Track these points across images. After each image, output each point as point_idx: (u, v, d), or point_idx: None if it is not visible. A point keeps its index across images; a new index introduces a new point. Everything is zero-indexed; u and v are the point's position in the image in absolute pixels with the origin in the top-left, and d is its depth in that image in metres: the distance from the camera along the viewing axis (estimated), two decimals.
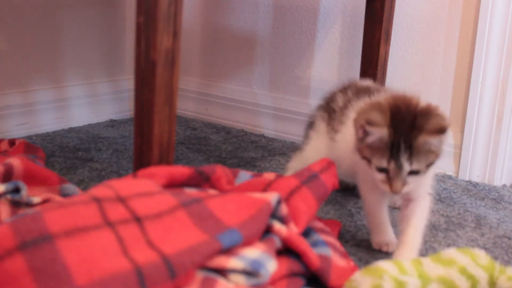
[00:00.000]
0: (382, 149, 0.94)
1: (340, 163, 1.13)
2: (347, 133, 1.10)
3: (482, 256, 0.88)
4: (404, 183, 0.94)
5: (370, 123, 0.93)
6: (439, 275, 0.83)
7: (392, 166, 0.93)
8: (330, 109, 1.21)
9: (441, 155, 0.96)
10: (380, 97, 1.03)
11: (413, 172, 0.94)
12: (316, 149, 1.24)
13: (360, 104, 1.05)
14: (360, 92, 1.16)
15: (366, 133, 0.94)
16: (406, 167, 0.93)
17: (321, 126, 1.24)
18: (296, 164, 1.31)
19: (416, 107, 0.95)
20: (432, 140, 0.92)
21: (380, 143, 0.94)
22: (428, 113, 0.94)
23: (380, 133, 0.93)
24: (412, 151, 0.92)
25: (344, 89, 1.21)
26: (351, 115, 1.10)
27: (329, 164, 1.04)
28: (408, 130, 0.92)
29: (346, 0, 1.70)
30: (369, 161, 0.96)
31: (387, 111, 0.95)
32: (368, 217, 1.09)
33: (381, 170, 0.95)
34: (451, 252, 0.88)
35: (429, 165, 0.95)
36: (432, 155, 0.94)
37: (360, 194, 1.10)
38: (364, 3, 1.50)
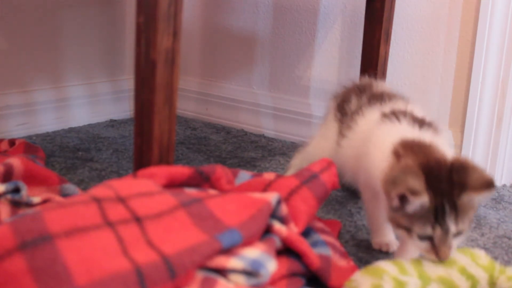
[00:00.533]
0: (425, 216, 0.84)
1: (343, 169, 1.13)
2: (353, 139, 1.09)
3: (482, 256, 0.88)
4: (450, 247, 0.85)
5: (413, 192, 0.82)
6: (439, 275, 0.83)
7: (438, 232, 0.84)
8: (343, 110, 1.18)
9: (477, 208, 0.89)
10: (396, 146, 0.92)
11: (458, 233, 0.86)
12: (321, 147, 1.23)
13: (380, 159, 0.94)
14: (373, 98, 1.12)
15: (405, 202, 0.84)
16: (453, 229, 0.84)
17: (332, 125, 1.21)
18: (298, 161, 1.31)
19: (445, 162, 0.87)
20: (478, 197, 0.84)
21: (421, 210, 0.84)
22: (464, 167, 0.86)
23: (421, 200, 0.83)
24: (458, 211, 0.84)
25: (359, 92, 1.17)
26: (360, 122, 1.09)
27: (329, 164, 1.04)
28: (448, 189, 0.84)
29: (346, 0, 1.70)
30: (408, 230, 0.86)
31: (419, 171, 0.85)
32: (369, 218, 1.09)
33: (424, 238, 0.85)
34: None
35: (471, 220, 0.87)
36: (472, 211, 0.86)
37: (362, 197, 1.10)
38: (364, 3, 1.50)
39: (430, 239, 0.85)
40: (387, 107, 1.07)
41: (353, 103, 1.15)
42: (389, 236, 1.07)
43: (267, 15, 1.85)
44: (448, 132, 1.56)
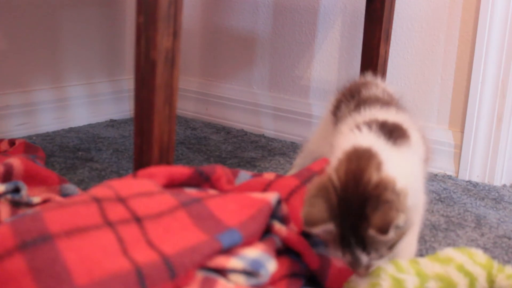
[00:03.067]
0: (333, 241, 0.79)
1: None
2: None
3: (480, 254, 0.88)
4: (368, 268, 0.80)
5: (311, 222, 0.77)
6: (436, 272, 0.84)
7: (348, 258, 0.79)
8: (336, 114, 1.11)
9: (408, 229, 0.80)
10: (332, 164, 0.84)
11: (375, 258, 0.80)
12: (319, 145, 1.19)
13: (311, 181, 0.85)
14: (358, 106, 1.02)
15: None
16: (364, 259, 0.78)
17: (327, 125, 1.15)
18: (301, 160, 1.30)
19: (367, 186, 0.78)
20: (381, 237, 0.75)
21: (328, 235, 0.79)
22: (378, 196, 0.76)
23: (324, 229, 0.78)
24: (366, 244, 0.77)
25: (350, 97, 1.08)
26: (343, 129, 0.98)
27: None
28: (356, 221, 0.77)
29: (346, 0, 1.70)
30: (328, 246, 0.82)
31: (333, 195, 0.78)
32: None
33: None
34: (448, 251, 0.88)
35: (392, 246, 0.79)
36: (392, 240, 0.78)
37: None
38: (364, 3, 1.50)
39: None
40: (363, 117, 0.96)
41: (342, 110, 1.07)
42: None
43: (267, 15, 1.85)
44: (448, 132, 1.57)
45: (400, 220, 0.75)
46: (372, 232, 0.75)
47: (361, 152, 0.83)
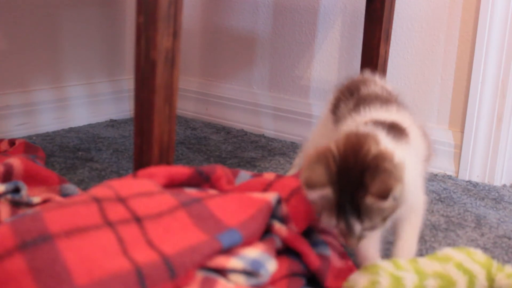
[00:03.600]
0: (328, 208, 0.81)
1: None
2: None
3: (478, 253, 0.89)
4: (360, 238, 0.82)
5: (309, 184, 0.79)
6: (435, 270, 0.84)
7: (342, 225, 0.81)
8: (335, 113, 1.10)
9: (402, 204, 0.82)
10: (337, 136, 0.88)
11: (368, 229, 0.82)
12: (318, 143, 1.19)
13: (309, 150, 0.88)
14: (358, 105, 1.02)
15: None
16: (357, 227, 0.81)
17: (327, 123, 1.14)
18: (299, 160, 1.30)
19: (366, 156, 0.80)
20: (379, 203, 0.78)
21: (324, 201, 0.81)
22: (377, 166, 0.79)
23: (321, 193, 0.80)
24: (361, 212, 0.79)
25: (349, 95, 1.08)
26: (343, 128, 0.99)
27: None
28: (353, 189, 0.79)
29: (346, 0, 1.70)
30: (319, 214, 0.84)
31: (332, 163, 0.81)
32: None
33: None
34: (447, 251, 0.88)
35: (386, 218, 0.82)
36: (388, 210, 0.80)
37: None
38: (364, 3, 1.50)
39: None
40: (363, 116, 0.98)
41: (341, 109, 1.08)
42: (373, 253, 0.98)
43: (267, 15, 1.85)
44: (448, 132, 1.57)
45: (397, 189, 0.77)
46: (370, 199, 0.77)
47: (361, 133, 0.86)
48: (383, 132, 0.89)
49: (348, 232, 0.81)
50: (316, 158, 0.82)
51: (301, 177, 0.81)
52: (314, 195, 0.80)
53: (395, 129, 0.91)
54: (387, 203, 0.78)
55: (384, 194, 0.77)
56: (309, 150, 0.88)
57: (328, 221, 0.82)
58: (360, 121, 0.95)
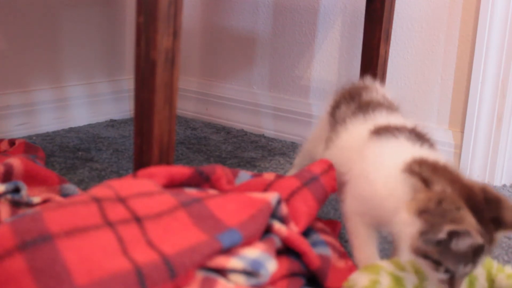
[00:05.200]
0: (465, 255, 0.76)
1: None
2: (336, 154, 1.03)
3: None
4: None
5: (473, 235, 0.74)
6: None
7: (468, 269, 0.78)
8: (333, 117, 1.10)
9: None
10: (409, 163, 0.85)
11: None
12: (315, 145, 1.18)
13: (416, 191, 0.83)
14: (359, 110, 1.02)
15: (453, 239, 0.75)
16: (480, 266, 0.80)
17: (324, 127, 1.15)
18: (299, 160, 1.30)
19: (478, 191, 0.80)
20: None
21: (466, 248, 0.76)
22: (496, 199, 0.79)
23: (473, 241, 0.75)
24: (491, 249, 0.78)
25: (349, 100, 1.08)
26: (343, 137, 1.01)
27: (329, 167, 1.03)
28: (488, 226, 0.77)
29: (346, 0, 1.70)
30: (437, 263, 0.78)
31: (463, 204, 0.77)
32: (351, 236, 0.96)
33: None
34: None
35: None
36: None
37: (344, 212, 0.97)
38: (364, 3, 1.50)
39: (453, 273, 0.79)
40: (372, 122, 0.98)
41: (341, 112, 1.07)
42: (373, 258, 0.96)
43: (267, 15, 1.85)
44: (448, 132, 1.57)
45: None
46: (504, 232, 0.78)
47: (435, 164, 0.84)
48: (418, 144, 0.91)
49: (467, 273, 0.79)
50: (453, 205, 0.78)
51: (454, 224, 0.75)
52: (466, 243, 0.75)
53: (423, 137, 0.94)
54: None
55: None
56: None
57: (455, 268, 0.78)
58: (369, 128, 0.95)
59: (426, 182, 0.82)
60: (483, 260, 0.78)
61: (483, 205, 0.78)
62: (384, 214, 0.86)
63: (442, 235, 0.75)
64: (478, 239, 0.74)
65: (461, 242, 0.75)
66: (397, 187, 0.84)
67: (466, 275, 0.79)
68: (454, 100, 1.56)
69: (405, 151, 0.89)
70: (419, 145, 0.91)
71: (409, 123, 0.98)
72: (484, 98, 1.49)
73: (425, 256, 0.78)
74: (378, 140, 0.93)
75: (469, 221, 0.75)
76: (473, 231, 0.73)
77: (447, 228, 0.74)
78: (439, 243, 0.76)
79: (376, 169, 0.89)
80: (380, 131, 0.95)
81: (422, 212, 0.79)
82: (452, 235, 0.75)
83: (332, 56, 1.74)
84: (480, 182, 0.82)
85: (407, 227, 0.80)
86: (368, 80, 1.18)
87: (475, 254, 0.76)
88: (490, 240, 0.77)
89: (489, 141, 1.50)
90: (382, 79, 1.53)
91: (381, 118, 1.00)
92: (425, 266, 0.80)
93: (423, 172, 0.83)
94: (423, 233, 0.78)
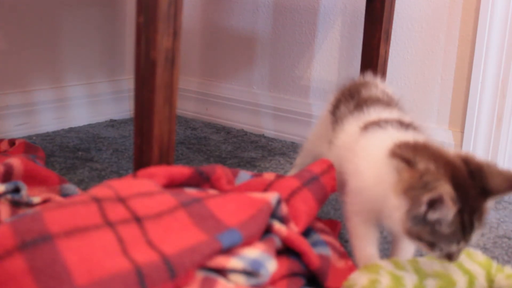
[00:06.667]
0: (453, 232, 0.78)
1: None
2: (335, 153, 1.04)
3: (478, 254, 0.89)
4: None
5: (452, 198, 0.75)
6: (435, 270, 0.84)
7: (461, 245, 0.79)
8: (334, 115, 1.11)
9: None
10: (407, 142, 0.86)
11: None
12: (316, 144, 1.18)
13: (400, 173, 0.83)
14: (357, 107, 1.02)
15: (432, 209, 0.77)
16: (474, 239, 0.80)
17: (325, 125, 1.14)
18: (300, 160, 1.30)
19: (461, 164, 0.80)
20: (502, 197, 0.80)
21: (446, 223, 0.77)
22: (481, 168, 0.80)
23: (452, 210, 0.76)
24: (481, 220, 0.79)
25: (349, 98, 1.08)
26: (340, 135, 1.01)
27: (329, 167, 1.03)
28: (474, 198, 0.78)
29: (346, 0, 1.70)
30: (432, 245, 0.80)
31: (447, 179, 0.78)
32: (351, 236, 0.96)
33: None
34: None
35: None
36: None
37: (344, 212, 0.97)
38: (364, 3, 1.50)
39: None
40: (366, 118, 0.98)
41: (340, 111, 1.07)
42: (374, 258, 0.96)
43: (267, 15, 1.85)
44: (448, 132, 1.57)
45: None
46: (494, 197, 0.79)
47: (416, 144, 0.85)
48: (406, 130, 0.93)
49: (463, 248, 0.80)
50: (433, 177, 0.79)
51: (433, 192, 0.76)
52: (443, 212, 0.76)
53: (413, 127, 0.95)
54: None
55: None
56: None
57: (448, 248, 0.79)
58: (360, 124, 0.96)
59: (409, 163, 0.82)
60: (475, 236, 0.79)
61: (468, 178, 0.79)
62: (378, 204, 0.86)
63: (423, 207, 0.76)
64: (450, 204, 0.74)
65: (439, 211, 0.76)
66: (384, 173, 0.85)
67: (461, 250, 0.80)
68: (454, 100, 1.56)
69: (390, 138, 0.89)
70: (404, 131, 0.92)
71: (406, 117, 0.98)
72: (484, 98, 1.49)
73: (419, 238, 0.80)
74: (366, 134, 0.95)
75: (445, 188, 0.75)
76: (446, 196, 0.74)
77: (426, 197, 0.76)
78: (425, 221, 0.78)
79: (364, 160, 0.90)
80: (368, 126, 0.96)
81: (406, 190, 0.79)
82: (432, 204, 0.76)
83: (332, 56, 1.74)
84: (461, 153, 0.83)
85: (396, 210, 0.81)
86: (368, 75, 1.18)
87: (463, 230, 0.78)
88: (480, 212, 0.78)
89: (489, 141, 1.50)
90: (382, 79, 1.53)
91: (374, 114, 1.00)
92: (421, 247, 0.82)
93: (404, 153, 0.83)
94: (408, 210, 0.79)
